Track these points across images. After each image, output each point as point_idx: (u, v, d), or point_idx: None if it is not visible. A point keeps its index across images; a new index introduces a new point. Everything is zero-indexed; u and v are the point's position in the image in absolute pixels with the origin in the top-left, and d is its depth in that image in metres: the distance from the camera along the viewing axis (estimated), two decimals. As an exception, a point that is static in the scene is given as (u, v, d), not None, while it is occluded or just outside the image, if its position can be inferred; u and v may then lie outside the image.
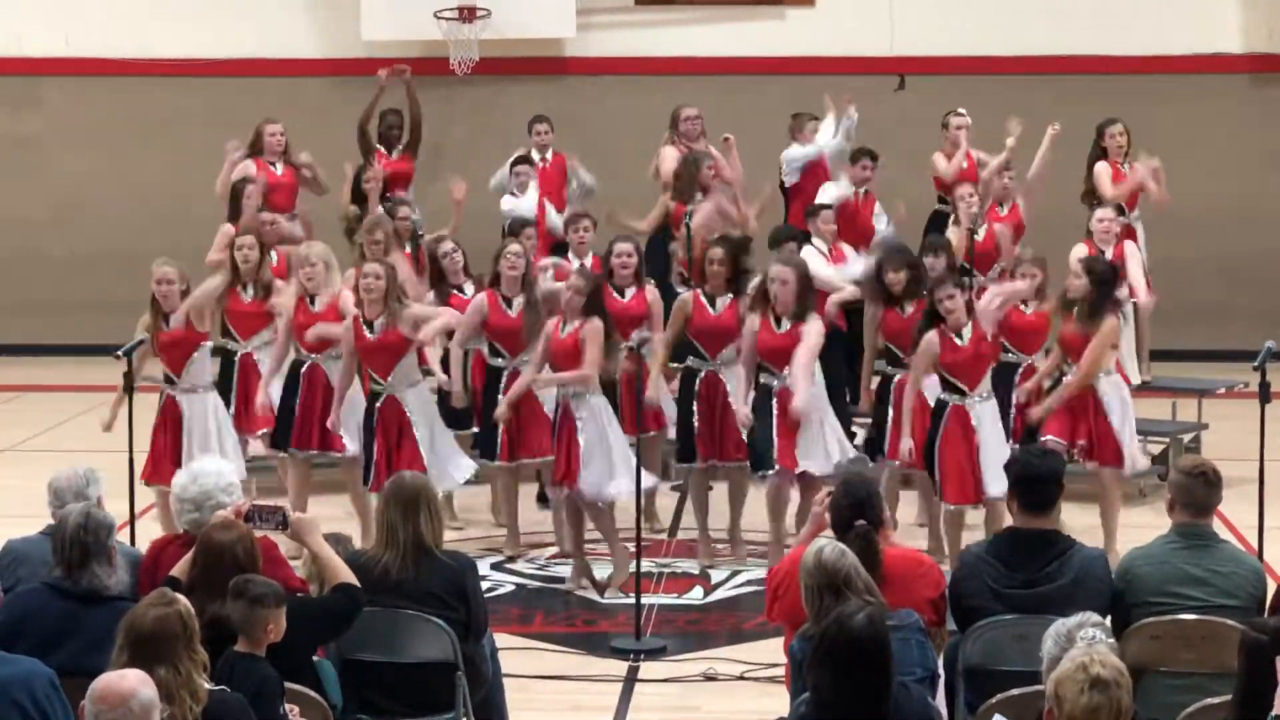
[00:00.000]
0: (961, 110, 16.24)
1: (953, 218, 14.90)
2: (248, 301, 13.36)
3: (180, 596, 6.65)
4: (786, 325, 12.13)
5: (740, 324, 12.39)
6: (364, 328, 12.28)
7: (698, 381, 12.58)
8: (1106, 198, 15.43)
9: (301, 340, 12.89)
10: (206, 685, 6.48)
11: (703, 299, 12.60)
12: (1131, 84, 18.96)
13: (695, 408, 12.56)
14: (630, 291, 12.86)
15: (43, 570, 7.80)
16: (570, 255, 14.09)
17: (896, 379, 12.60)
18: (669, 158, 15.88)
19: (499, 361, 12.83)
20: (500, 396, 12.53)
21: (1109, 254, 13.96)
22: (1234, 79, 19.54)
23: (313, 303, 12.88)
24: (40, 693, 6.55)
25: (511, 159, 16.15)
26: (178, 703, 6.33)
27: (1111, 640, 6.82)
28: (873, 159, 15.71)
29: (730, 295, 12.56)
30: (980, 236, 14.52)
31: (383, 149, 16.83)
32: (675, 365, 13.02)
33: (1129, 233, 15.30)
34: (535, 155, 16.54)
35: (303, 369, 12.92)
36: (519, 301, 12.72)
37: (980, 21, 19.53)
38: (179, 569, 7.57)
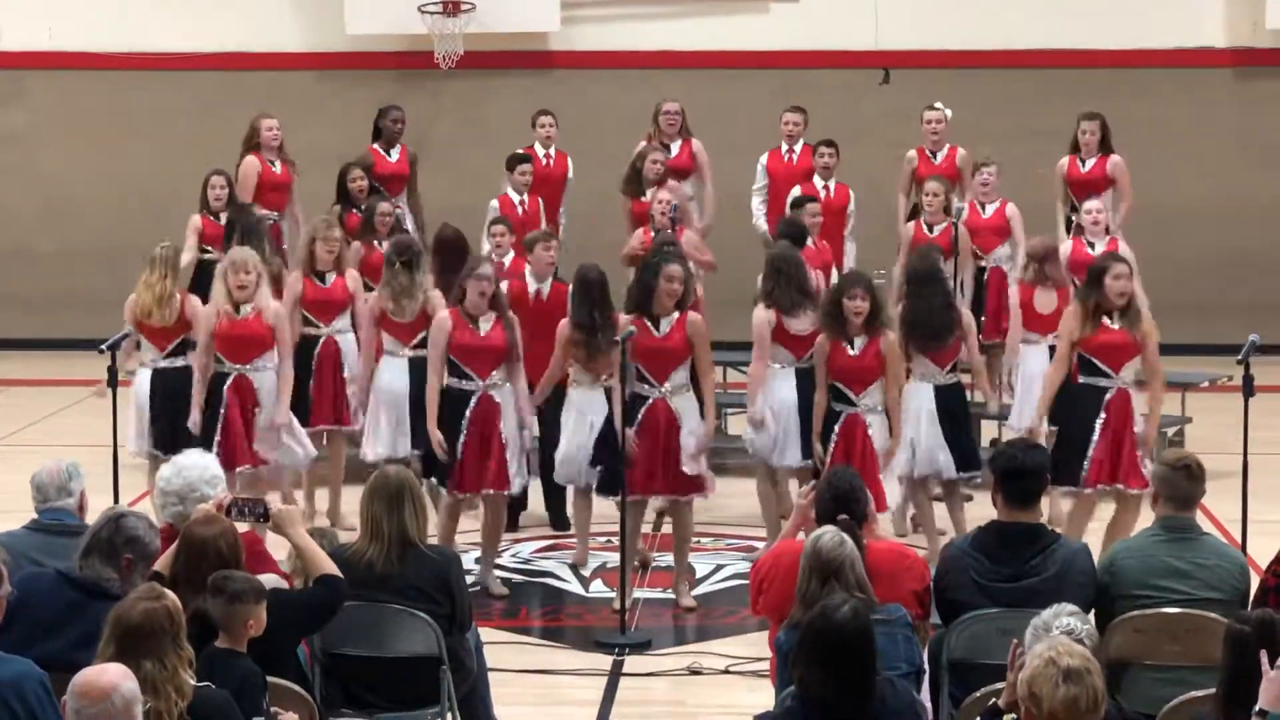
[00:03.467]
0: (937, 104, 16.20)
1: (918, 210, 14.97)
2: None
3: (169, 591, 6.64)
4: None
5: (687, 344, 11.59)
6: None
7: (643, 410, 11.56)
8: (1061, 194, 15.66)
9: (221, 350, 12.29)
10: (192, 681, 6.47)
11: (645, 321, 11.58)
12: (1116, 77, 18.96)
13: (635, 437, 11.48)
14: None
15: (26, 564, 7.78)
16: (528, 273, 13.10)
17: (845, 415, 11.80)
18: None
19: (467, 384, 11.65)
20: (465, 421, 11.57)
21: (1100, 248, 13.63)
22: (1218, 73, 19.54)
23: (237, 311, 12.24)
24: (31, 695, 6.51)
25: (509, 157, 15.56)
26: (163, 697, 6.32)
27: (1090, 628, 6.84)
28: (831, 146, 15.71)
29: (676, 314, 11.61)
30: (935, 233, 14.49)
31: (380, 149, 16.53)
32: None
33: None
34: (539, 149, 16.24)
35: (227, 383, 12.25)
36: (486, 321, 11.69)
37: (964, 15, 19.52)
38: (162, 563, 7.55)
